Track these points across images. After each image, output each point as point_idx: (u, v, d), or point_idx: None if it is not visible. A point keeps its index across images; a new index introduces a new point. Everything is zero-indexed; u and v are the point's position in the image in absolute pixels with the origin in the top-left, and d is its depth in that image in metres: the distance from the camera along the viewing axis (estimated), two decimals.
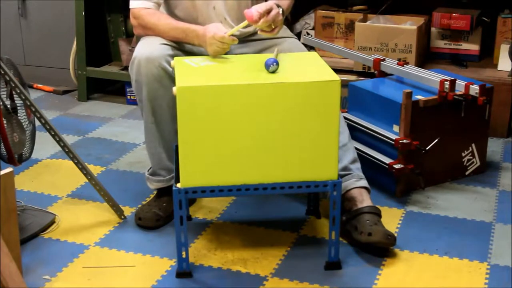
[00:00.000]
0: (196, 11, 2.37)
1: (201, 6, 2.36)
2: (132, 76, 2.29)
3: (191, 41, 2.26)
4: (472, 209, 2.51)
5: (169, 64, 2.23)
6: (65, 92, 3.94)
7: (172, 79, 2.20)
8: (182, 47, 2.33)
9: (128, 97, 3.74)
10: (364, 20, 3.41)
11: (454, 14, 3.32)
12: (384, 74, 2.86)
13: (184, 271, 2.09)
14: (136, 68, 2.25)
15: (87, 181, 2.43)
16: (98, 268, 2.16)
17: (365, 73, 3.31)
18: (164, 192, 2.44)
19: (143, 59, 2.23)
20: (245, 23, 2.19)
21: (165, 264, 2.17)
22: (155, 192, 2.49)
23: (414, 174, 2.52)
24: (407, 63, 2.81)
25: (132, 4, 2.34)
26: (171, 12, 2.40)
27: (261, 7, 2.14)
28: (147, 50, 2.24)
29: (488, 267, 2.14)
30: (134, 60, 2.25)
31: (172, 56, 2.25)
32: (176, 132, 2.20)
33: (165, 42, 2.28)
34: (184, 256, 2.07)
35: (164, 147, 2.35)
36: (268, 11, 2.14)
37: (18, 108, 2.30)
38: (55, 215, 2.45)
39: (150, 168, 2.44)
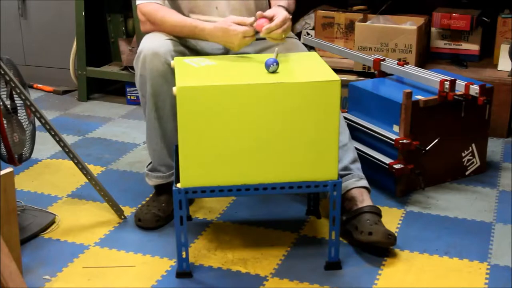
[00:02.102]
0: (198, 11, 2.36)
1: (203, 6, 2.35)
2: (136, 71, 2.28)
3: (201, 38, 2.25)
4: (472, 209, 2.51)
5: None
6: (65, 92, 3.94)
7: None
8: (186, 43, 2.32)
9: (128, 97, 3.73)
10: (364, 20, 3.41)
11: (454, 14, 3.33)
12: (384, 74, 2.86)
13: (184, 271, 2.09)
14: (142, 62, 2.24)
15: (87, 181, 2.43)
16: (98, 268, 2.16)
17: (365, 73, 3.31)
18: (163, 190, 2.44)
19: (149, 54, 2.22)
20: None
21: (165, 264, 2.17)
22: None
23: (414, 174, 2.52)
24: (407, 63, 2.81)
25: (138, 0, 2.33)
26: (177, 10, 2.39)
27: (267, 14, 2.15)
28: (154, 45, 2.23)
29: (488, 267, 2.14)
30: (140, 54, 2.25)
31: (178, 52, 2.25)
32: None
33: (171, 37, 2.27)
34: (184, 256, 2.07)
35: (166, 143, 2.35)
36: (271, 18, 2.14)
37: (18, 108, 2.30)
38: (55, 215, 2.45)
39: (150, 164, 2.43)
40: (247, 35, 2.14)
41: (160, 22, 2.29)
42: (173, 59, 2.22)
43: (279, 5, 2.24)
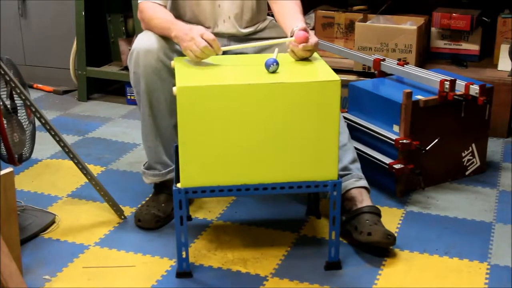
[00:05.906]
0: (200, 9, 2.36)
1: (206, 4, 2.35)
2: (130, 68, 2.28)
3: (169, 34, 2.18)
4: (472, 209, 2.51)
5: (168, 57, 2.22)
6: (65, 92, 3.94)
7: (170, 72, 2.20)
8: None
9: (128, 97, 3.74)
10: (364, 20, 3.41)
11: (454, 14, 3.33)
12: (384, 74, 2.86)
13: (184, 271, 2.09)
14: (135, 60, 2.24)
15: (87, 181, 2.43)
16: (98, 268, 2.16)
17: (365, 73, 3.31)
18: (161, 189, 2.43)
19: (142, 51, 2.22)
20: (250, 45, 2.24)
21: (165, 264, 2.17)
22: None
23: (414, 174, 2.52)
24: (407, 63, 2.82)
25: None
26: (178, 14, 2.39)
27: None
28: (147, 42, 2.23)
29: (488, 267, 2.14)
30: (133, 52, 2.24)
31: (172, 50, 2.24)
32: (174, 127, 2.19)
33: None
34: (184, 256, 2.07)
35: (161, 141, 2.34)
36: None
37: (18, 108, 2.30)
38: (55, 215, 2.45)
39: (146, 162, 2.43)
40: (205, 38, 2.06)
41: (148, 21, 2.28)
42: (166, 56, 2.22)
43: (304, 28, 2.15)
